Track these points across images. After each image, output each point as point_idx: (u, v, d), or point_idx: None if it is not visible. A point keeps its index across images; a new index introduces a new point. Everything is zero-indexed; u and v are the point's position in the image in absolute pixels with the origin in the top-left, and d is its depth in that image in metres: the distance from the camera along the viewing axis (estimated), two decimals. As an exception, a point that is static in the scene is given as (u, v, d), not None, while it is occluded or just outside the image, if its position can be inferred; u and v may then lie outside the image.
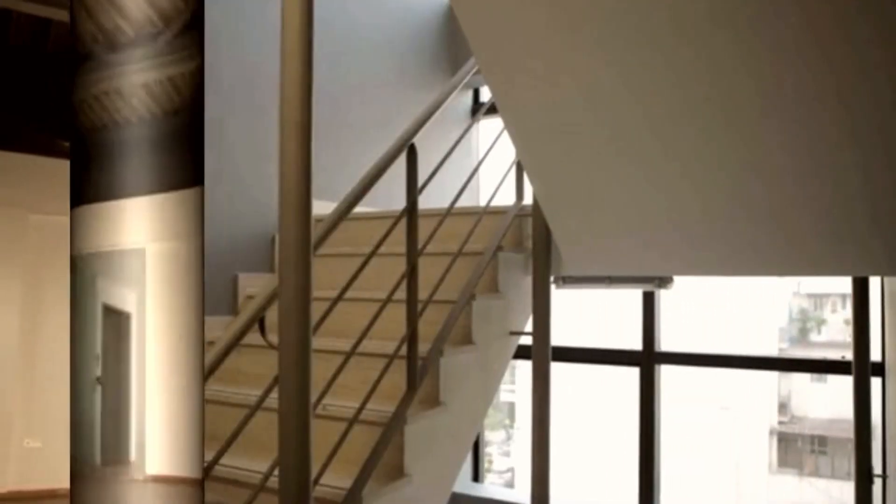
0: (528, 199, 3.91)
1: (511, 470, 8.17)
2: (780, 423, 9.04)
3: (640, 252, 3.50)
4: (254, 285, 4.08)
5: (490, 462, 7.68)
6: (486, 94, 6.48)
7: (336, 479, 2.60)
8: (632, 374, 5.72)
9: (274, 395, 1.89)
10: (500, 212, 3.88)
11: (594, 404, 8.14)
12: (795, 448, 9.04)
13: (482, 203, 3.85)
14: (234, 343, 2.15)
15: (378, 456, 2.67)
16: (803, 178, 2.70)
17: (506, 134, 2.95)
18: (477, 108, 6.60)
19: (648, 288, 4.46)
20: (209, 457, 2.11)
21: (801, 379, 8.75)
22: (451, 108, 6.19)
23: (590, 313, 7.67)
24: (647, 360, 5.68)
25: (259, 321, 2.24)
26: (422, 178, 3.08)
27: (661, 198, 3.03)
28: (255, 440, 2.88)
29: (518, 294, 3.83)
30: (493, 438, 8.03)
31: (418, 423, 2.87)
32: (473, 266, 3.51)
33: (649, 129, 2.67)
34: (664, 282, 4.28)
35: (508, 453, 8.35)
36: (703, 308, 7.80)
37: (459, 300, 3.30)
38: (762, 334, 8.77)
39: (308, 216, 1.79)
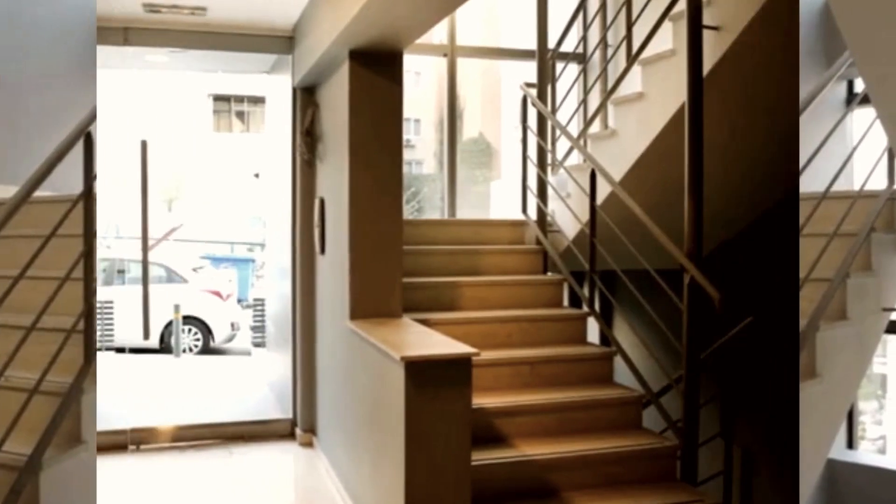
0: (900, 184, 3.81)
1: (883, 438, 7.75)
2: None
3: None
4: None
5: (863, 430, 7.36)
6: (860, 86, 6.22)
7: (18, 447, 2.60)
8: None
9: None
10: (872, 195, 3.82)
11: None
12: None
13: (856, 187, 3.81)
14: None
15: (57, 424, 2.65)
16: None
17: (878, 122, 2.94)
18: (851, 99, 6.37)
19: None
20: None
21: None
22: (825, 99, 6.03)
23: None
24: None
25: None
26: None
27: None
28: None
29: (890, 272, 3.76)
30: (865, 408, 7.68)
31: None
32: (848, 246, 3.52)
33: None
34: None
35: (880, 422, 7.93)
36: None
37: (835, 278, 3.34)
38: None
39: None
